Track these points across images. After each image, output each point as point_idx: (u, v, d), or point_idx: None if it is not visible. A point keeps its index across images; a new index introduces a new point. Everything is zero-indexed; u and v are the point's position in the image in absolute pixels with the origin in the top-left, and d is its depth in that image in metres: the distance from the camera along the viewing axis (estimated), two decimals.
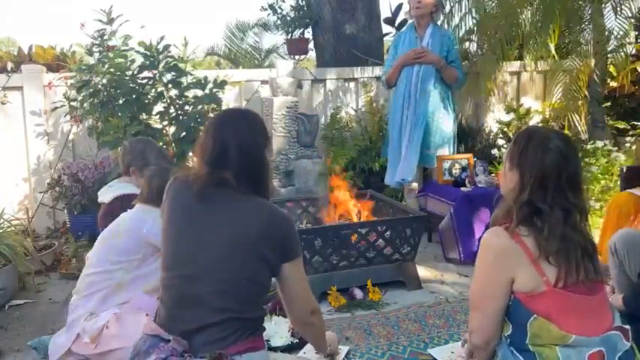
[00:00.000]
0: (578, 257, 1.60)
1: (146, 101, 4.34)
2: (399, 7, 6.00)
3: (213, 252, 1.63)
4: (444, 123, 4.27)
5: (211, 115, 4.24)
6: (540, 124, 5.43)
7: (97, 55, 4.30)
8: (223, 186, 1.68)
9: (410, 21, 4.36)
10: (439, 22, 4.46)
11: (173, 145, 4.28)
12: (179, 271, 1.66)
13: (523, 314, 1.60)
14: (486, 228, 3.79)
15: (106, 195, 2.90)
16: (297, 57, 6.14)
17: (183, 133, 4.30)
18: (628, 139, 5.38)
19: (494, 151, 4.72)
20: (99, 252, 2.42)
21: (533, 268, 1.59)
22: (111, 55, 4.23)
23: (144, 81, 4.35)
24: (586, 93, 5.02)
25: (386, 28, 6.21)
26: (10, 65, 4.84)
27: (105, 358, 2.27)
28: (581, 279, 1.59)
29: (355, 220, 3.64)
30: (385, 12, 6.20)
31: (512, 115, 5.59)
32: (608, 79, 5.60)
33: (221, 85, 4.46)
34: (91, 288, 2.35)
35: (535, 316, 1.58)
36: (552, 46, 5.27)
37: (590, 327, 1.58)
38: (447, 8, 5.51)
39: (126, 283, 2.35)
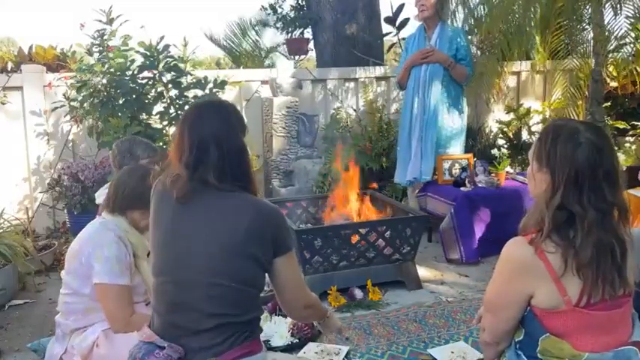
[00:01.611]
0: (607, 269, 1.47)
1: (146, 101, 4.34)
2: (401, 7, 6.00)
3: (202, 256, 1.58)
4: (454, 120, 4.29)
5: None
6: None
7: (97, 55, 4.31)
8: (205, 186, 1.61)
9: (419, 22, 4.38)
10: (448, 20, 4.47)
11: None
12: (169, 277, 1.62)
13: (536, 329, 1.54)
14: (487, 228, 3.85)
15: (102, 197, 2.87)
16: (297, 57, 6.14)
17: None
18: (628, 139, 5.39)
19: (494, 151, 4.73)
20: (65, 271, 2.28)
21: (554, 286, 1.48)
22: (111, 55, 4.23)
23: (144, 81, 4.35)
24: (586, 93, 5.02)
25: (386, 28, 6.22)
26: (10, 65, 4.84)
27: None
28: (606, 297, 1.49)
29: (356, 219, 3.64)
30: (385, 12, 6.21)
31: (512, 115, 5.59)
32: (608, 79, 5.60)
33: (221, 85, 4.46)
34: (65, 309, 2.26)
35: (548, 334, 1.52)
36: (552, 44, 5.28)
37: (604, 342, 1.52)
38: (452, 10, 5.52)
39: (94, 307, 2.19)
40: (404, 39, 5.31)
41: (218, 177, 1.61)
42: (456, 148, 4.34)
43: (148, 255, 2.28)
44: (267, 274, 1.70)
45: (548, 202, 1.50)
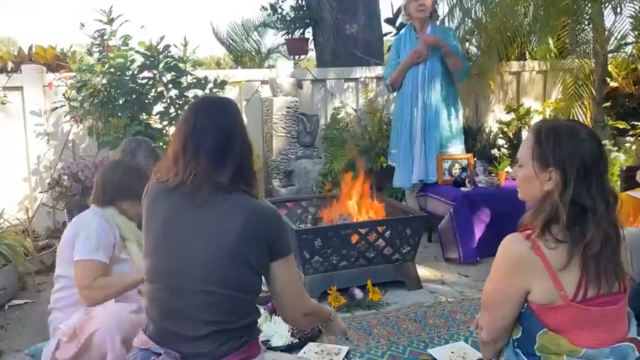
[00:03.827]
0: (607, 261, 1.51)
1: (146, 101, 4.34)
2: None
3: (196, 262, 1.52)
4: (453, 120, 4.30)
5: None
6: None
7: (97, 55, 4.31)
8: (213, 185, 1.54)
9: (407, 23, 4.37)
10: (439, 22, 4.47)
11: None
12: (163, 284, 1.57)
13: (534, 325, 1.55)
14: (487, 228, 3.85)
15: None
16: (297, 57, 6.14)
17: None
18: (628, 139, 5.38)
19: (494, 151, 4.73)
20: (57, 265, 2.33)
21: (551, 281, 1.50)
22: (111, 55, 4.23)
23: (144, 81, 4.36)
24: (593, 91, 5.02)
25: (386, 28, 6.23)
26: (10, 65, 4.84)
27: (88, 352, 2.18)
28: (602, 293, 1.52)
29: (356, 219, 3.63)
30: (385, 12, 6.21)
31: (512, 115, 5.59)
32: (608, 79, 5.60)
33: (221, 85, 4.46)
34: (57, 306, 2.31)
35: (545, 329, 1.53)
36: (552, 44, 5.27)
37: (601, 338, 1.53)
38: (447, 10, 5.53)
39: (81, 301, 2.22)
40: None
41: (232, 175, 1.55)
42: (457, 148, 4.33)
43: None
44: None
45: (560, 199, 1.52)
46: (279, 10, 6.10)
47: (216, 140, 1.56)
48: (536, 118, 5.62)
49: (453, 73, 4.22)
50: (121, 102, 4.24)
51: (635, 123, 5.47)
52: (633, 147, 5.26)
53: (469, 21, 5.54)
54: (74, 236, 2.24)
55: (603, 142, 4.84)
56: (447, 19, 5.47)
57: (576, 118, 5.06)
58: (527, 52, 5.99)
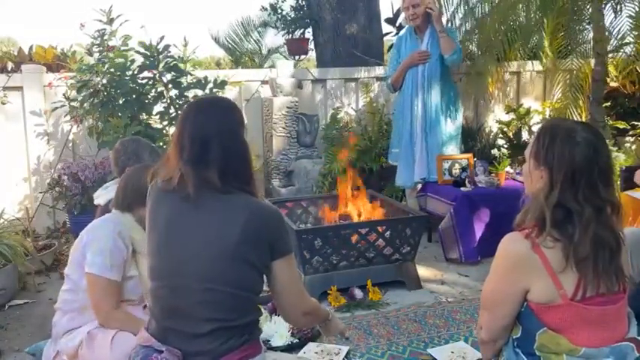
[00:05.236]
0: (605, 264, 1.50)
1: (146, 101, 4.34)
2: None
3: (197, 260, 1.54)
4: (452, 120, 4.32)
5: None
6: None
7: (97, 55, 4.31)
8: (206, 186, 1.56)
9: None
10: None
11: None
12: (165, 282, 1.58)
13: (533, 324, 1.55)
14: (487, 227, 3.85)
15: (101, 197, 2.87)
16: (297, 57, 6.14)
17: None
18: (628, 139, 5.38)
19: (494, 151, 4.73)
20: (67, 266, 2.30)
21: (550, 280, 1.50)
22: (111, 55, 4.24)
23: (144, 81, 4.36)
24: (589, 93, 5.02)
25: (386, 28, 6.23)
26: (10, 65, 4.84)
27: None
28: (601, 292, 1.52)
29: (356, 219, 3.64)
30: (385, 12, 6.21)
31: (512, 115, 5.59)
32: (608, 79, 5.60)
33: (221, 85, 4.47)
34: (63, 306, 2.27)
35: (545, 328, 1.54)
36: (547, 45, 5.28)
37: (601, 337, 1.53)
38: (449, 11, 5.53)
39: (89, 306, 2.18)
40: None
41: (220, 176, 1.56)
42: (454, 148, 4.34)
43: None
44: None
45: (546, 200, 1.53)
46: (279, 11, 6.10)
47: (197, 141, 1.58)
48: (536, 118, 5.62)
49: (444, 54, 4.15)
50: (121, 102, 4.24)
51: (635, 123, 5.47)
52: (633, 147, 5.27)
53: (469, 21, 5.54)
54: (87, 244, 2.19)
55: None
56: (451, 23, 5.46)
57: (574, 119, 5.06)
58: (535, 53, 5.97)
